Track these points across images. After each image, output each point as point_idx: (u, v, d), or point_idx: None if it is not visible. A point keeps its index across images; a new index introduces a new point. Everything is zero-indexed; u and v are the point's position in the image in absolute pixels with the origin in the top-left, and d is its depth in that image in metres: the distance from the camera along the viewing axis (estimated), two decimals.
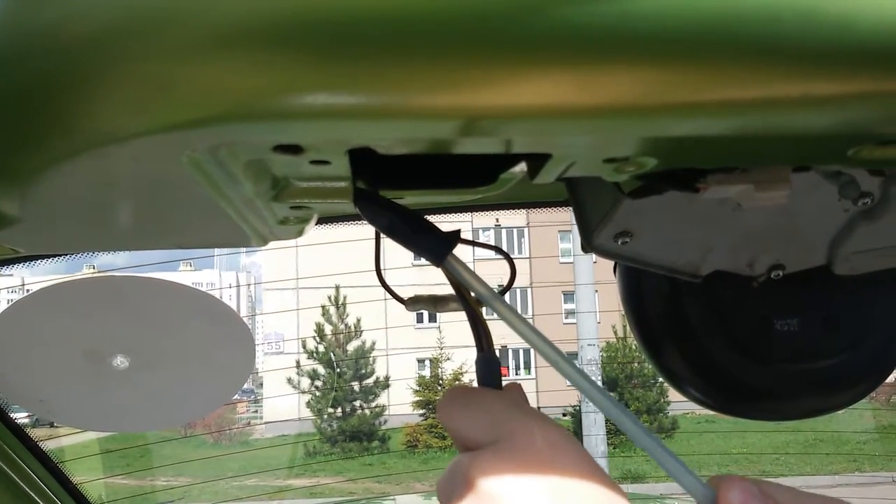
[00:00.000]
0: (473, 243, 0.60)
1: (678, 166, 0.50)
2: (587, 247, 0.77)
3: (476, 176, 0.57)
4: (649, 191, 0.65)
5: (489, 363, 0.49)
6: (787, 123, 0.38)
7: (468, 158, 0.53)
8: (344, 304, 19.92)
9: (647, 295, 0.90)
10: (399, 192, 0.57)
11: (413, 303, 0.65)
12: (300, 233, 0.65)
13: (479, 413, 0.43)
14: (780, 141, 0.43)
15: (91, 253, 0.78)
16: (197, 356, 0.98)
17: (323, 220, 0.88)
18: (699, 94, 0.35)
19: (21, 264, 0.76)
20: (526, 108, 0.35)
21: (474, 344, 0.50)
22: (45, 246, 0.68)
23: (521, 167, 0.54)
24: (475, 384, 0.51)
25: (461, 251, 0.52)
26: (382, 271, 0.74)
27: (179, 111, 0.35)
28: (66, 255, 0.74)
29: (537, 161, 0.47)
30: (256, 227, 0.60)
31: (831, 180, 0.64)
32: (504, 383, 0.49)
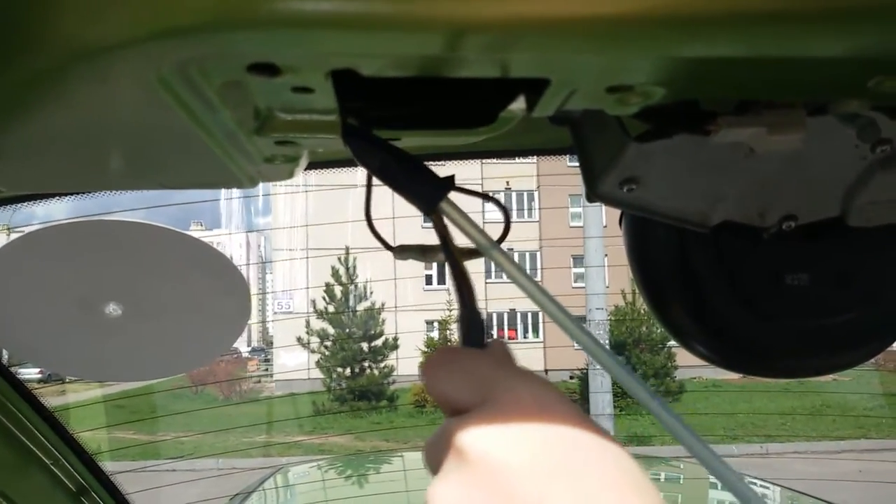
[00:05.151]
0: (468, 192, 0.58)
1: (687, 96, 0.47)
2: (591, 195, 0.74)
3: (475, 116, 0.54)
4: (657, 134, 0.62)
5: (472, 321, 0.46)
6: (804, 44, 0.35)
7: (466, 98, 0.50)
8: (354, 266, 19.99)
9: (653, 246, 0.87)
10: (394, 133, 0.55)
11: (402, 251, 0.63)
12: (290, 173, 0.63)
13: (464, 375, 0.41)
14: (795, 66, 0.39)
15: (75, 194, 0.76)
16: (191, 305, 0.96)
17: (318, 165, 0.85)
18: (710, 4, 0.31)
19: (6, 207, 0.75)
20: (523, 19, 0.32)
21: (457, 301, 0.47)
22: (27, 184, 0.65)
23: (521, 105, 0.51)
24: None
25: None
26: (374, 220, 0.71)
27: (141, 21, 0.32)
28: (51, 196, 0.72)
29: (535, 91, 0.44)
30: (242, 166, 0.57)
31: (849, 123, 0.61)
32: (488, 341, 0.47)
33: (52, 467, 1.15)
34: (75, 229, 0.84)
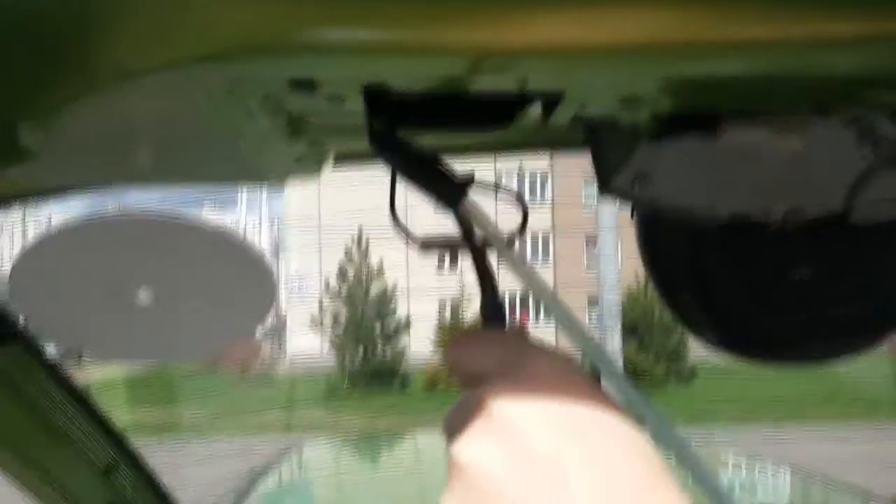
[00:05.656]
0: (488, 186, 0.61)
1: (694, 108, 0.50)
2: (604, 190, 0.76)
3: (493, 116, 0.57)
4: (668, 133, 0.65)
5: (494, 304, 0.49)
6: (805, 64, 0.38)
7: (485, 103, 0.53)
8: (367, 246, 20.02)
9: (663, 239, 0.90)
10: (416, 132, 0.58)
11: (426, 245, 0.66)
12: (317, 171, 0.66)
13: (489, 348, 0.43)
14: (797, 82, 0.42)
15: (110, 190, 0.79)
16: (219, 291, 0.99)
17: (342, 160, 0.88)
18: (717, 32, 0.34)
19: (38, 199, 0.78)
20: (540, 45, 0.35)
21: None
22: (62, 181, 0.69)
23: (538, 107, 0.54)
24: None
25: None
26: (397, 212, 0.74)
27: (196, 44, 0.35)
28: (83, 191, 0.75)
29: (552, 101, 0.47)
30: (273, 165, 0.60)
31: (850, 125, 0.63)
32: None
33: (80, 443, 1.19)
34: (110, 221, 0.88)
